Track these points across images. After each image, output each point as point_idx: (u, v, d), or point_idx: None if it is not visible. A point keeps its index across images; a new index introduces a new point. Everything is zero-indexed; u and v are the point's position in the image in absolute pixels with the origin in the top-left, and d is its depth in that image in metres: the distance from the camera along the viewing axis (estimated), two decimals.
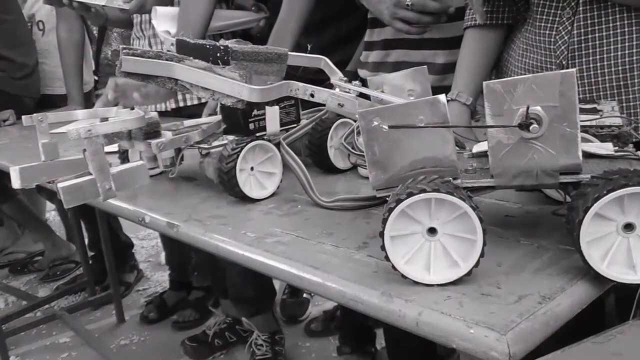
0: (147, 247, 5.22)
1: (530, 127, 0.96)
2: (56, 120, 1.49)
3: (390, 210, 0.95)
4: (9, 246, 4.99)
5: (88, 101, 3.64)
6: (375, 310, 0.95)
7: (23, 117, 1.44)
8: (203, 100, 2.73)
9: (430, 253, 0.98)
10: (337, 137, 1.62)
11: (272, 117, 1.54)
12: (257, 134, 1.52)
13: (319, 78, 1.68)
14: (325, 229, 1.25)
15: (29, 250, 4.95)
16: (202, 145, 1.53)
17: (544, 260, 1.02)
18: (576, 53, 1.58)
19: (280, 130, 1.57)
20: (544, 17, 1.64)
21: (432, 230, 0.97)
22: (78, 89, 3.46)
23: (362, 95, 1.35)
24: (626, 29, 1.52)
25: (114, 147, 1.65)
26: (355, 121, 1.41)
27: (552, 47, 1.61)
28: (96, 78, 3.63)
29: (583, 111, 1.23)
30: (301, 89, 1.35)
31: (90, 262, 4.18)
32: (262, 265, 1.15)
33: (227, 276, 3.27)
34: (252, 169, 1.44)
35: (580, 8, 1.56)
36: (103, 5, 2.96)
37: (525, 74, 1.27)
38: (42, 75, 3.73)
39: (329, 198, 1.38)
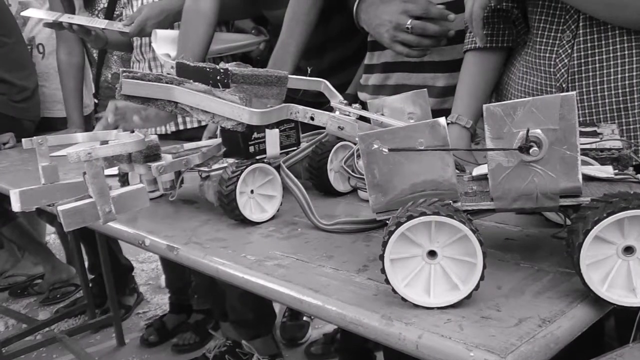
0: (147, 270, 5.21)
1: (530, 150, 0.96)
2: (56, 143, 1.49)
3: (391, 233, 0.95)
4: (9, 269, 4.98)
5: (88, 124, 3.65)
6: (375, 333, 0.94)
7: (23, 140, 1.44)
8: (203, 123, 2.74)
9: (430, 276, 0.97)
10: (337, 160, 1.62)
11: (272, 140, 1.54)
12: (257, 157, 1.52)
13: (319, 101, 1.69)
14: (325, 252, 1.25)
15: (29, 273, 4.95)
16: (202, 168, 1.53)
17: (544, 283, 1.02)
18: (576, 76, 1.58)
19: (280, 153, 1.57)
20: (544, 39, 1.64)
21: (432, 253, 0.97)
22: (78, 111, 3.47)
23: (362, 118, 1.35)
24: (626, 52, 1.52)
25: (114, 170, 1.65)
26: (355, 144, 1.41)
27: (552, 70, 1.61)
28: (96, 101, 3.64)
29: (583, 134, 1.24)
30: (301, 112, 1.36)
31: (91, 285, 4.17)
32: (262, 288, 1.14)
33: (227, 299, 3.27)
34: (252, 191, 1.44)
35: (580, 31, 1.56)
36: (103, 29, 2.98)
37: (525, 97, 1.27)
38: (42, 98, 3.74)
39: (329, 221, 1.38)
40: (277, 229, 1.42)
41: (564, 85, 1.59)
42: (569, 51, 1.58)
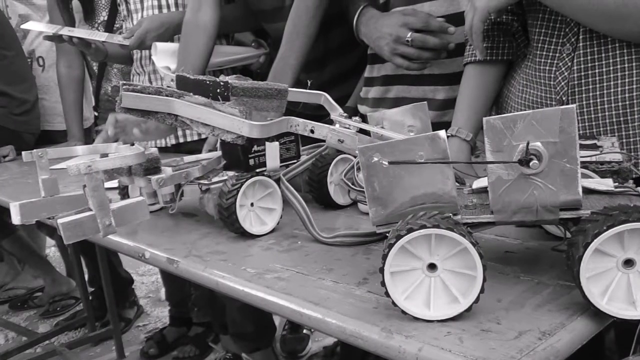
0: (147, 283, 5.21)
1: (531, 163, 0.96)
2: (56, 156, 1.49)
3: (391, 246, 0.95)
4: (8, 282, 4.98)
5: (88, 137, 3.65)
6: (376, 346, 0.94)
7: (23, 153, 1.44)
8: (203, 136, 2.73)
9: (431, 289, 0.97)
10: (337, 173, 1.62)
11: (272, 153, 1.54)
12: (257, 170, 1.52)
13: (319, 114, 1.69)
14: (325, 265, 1.25)
15: (29, 286, 4.94)
16: (202, 181, 1.53)
17: (544, 296, 1.02)
18: (576, 89, 1.58)
19: (280, 166, 1.57)
20: (544, 52, 1.64)
21: (432, 266, 0.97)
22: (78, 124, 3.47)
23: (362, 131, 1.35)
24: (626, 65, 1.52)
25: (114, 183, 1.65)
26: (355, 157, 1.41)
27: (552, 82, 1.61)
28: (96, 114, 3.64)
29: (583, 147, 1.24)
30: (301, 125, 1.36)
31: (90, 298, 4.17)
32: (262, 301, 1.14)
33: (227, 312, 3.26)
34: (252, 204, 1.44)
35: (580, 44, 1.56)
36: (103, 42, 2.98)
37: (525, 110, 1.27)
38: (42, 111, 3.75)
39: (329, 234, 1.38)
40: (277, 242, 1.42)
41: (564, 98, 1.59)
42: (569, 64, 1.58)
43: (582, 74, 1.57)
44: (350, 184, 1.30)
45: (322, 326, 1.03)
